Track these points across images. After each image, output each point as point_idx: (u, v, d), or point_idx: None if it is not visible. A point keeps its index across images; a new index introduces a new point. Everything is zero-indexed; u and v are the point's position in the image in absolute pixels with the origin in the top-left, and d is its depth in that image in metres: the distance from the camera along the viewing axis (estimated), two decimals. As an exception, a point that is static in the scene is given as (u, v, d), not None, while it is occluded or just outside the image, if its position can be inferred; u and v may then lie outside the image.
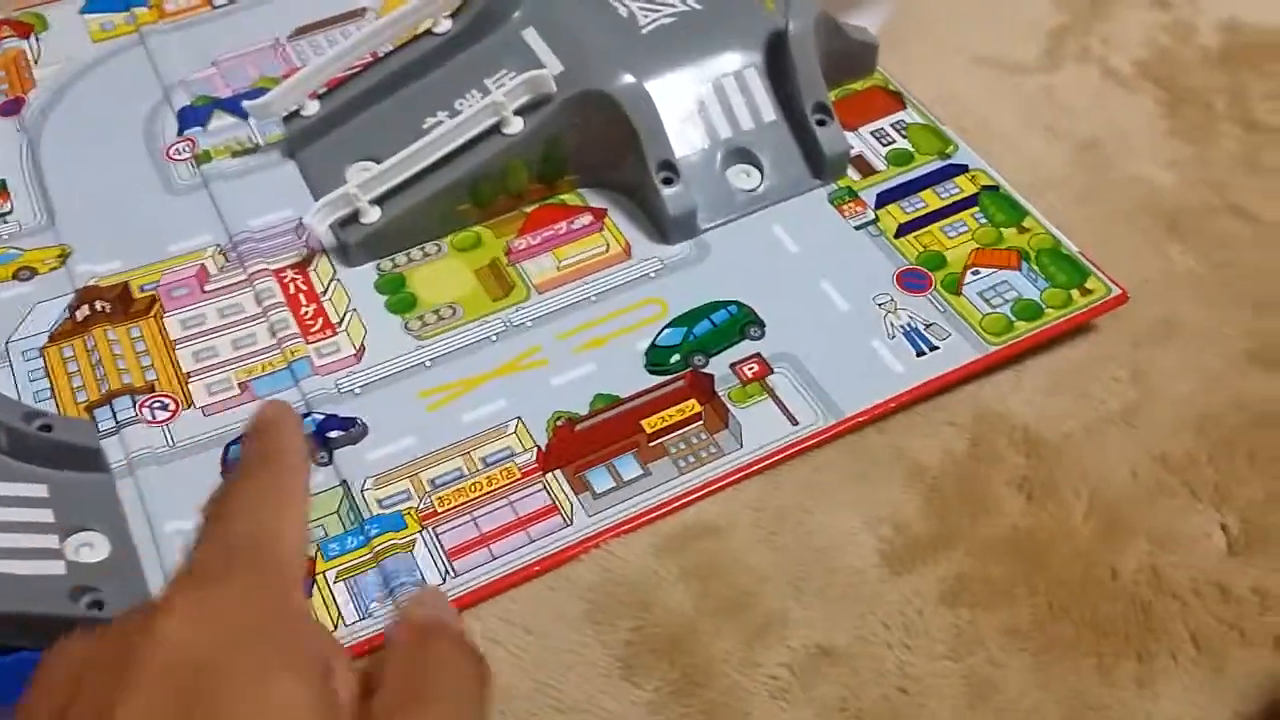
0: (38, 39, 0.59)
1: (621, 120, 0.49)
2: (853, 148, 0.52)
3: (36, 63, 0.58)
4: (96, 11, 0.60)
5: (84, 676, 0.24)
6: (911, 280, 0.48)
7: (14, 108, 0.55)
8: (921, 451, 0.44)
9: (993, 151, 0.53)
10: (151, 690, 0.23)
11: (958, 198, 0.51)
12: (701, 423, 0.44)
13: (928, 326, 0.46)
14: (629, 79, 0.49)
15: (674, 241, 0.50)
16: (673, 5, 0.53)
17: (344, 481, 0.42)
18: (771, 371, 0.45)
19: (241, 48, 0.58)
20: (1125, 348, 0.47)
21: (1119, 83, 0.58)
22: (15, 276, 0.48)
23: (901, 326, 0.47)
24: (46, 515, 0.39)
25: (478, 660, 0.27)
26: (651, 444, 0.43)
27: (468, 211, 0.50)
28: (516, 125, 0.49)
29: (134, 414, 0.44)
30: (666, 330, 0.47)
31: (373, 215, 0.48)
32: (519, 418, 0.44)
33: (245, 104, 0.53)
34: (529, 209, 0.51)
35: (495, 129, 0.49)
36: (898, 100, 0.55)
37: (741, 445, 0.43)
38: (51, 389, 0.45)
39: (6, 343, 0.46)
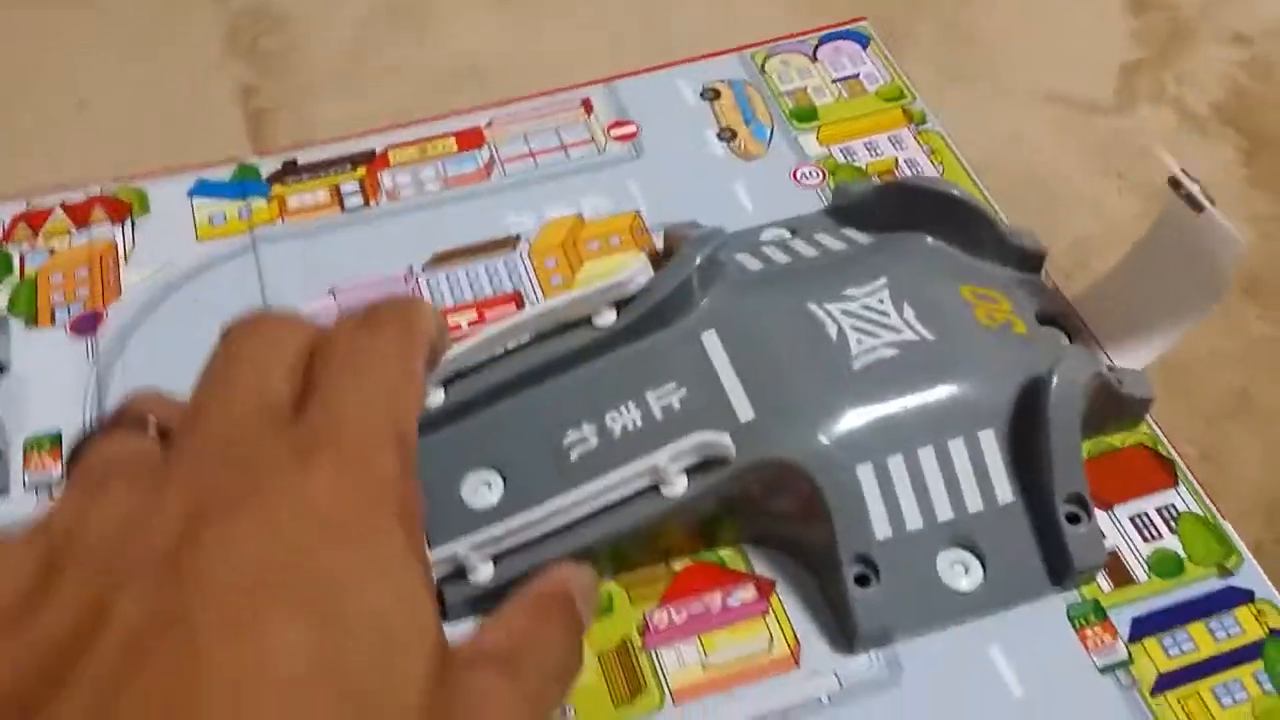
0: (133, 225, 0.50)
1: (814, 498, 0.38)
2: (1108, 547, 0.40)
3: (126, 260, 0.49)
4: (207, 196, 0.51)
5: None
6: (1172, 775, 0.36)
7: (89, 325, 0.47)
8: None
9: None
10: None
11: (1237, 643, 0.39)
12: None
13: None
14: (832, 444, 0.38)
15: (858, 651, 0.38)
16: (896, 330, 0.41)
17: None
18: None
19: (367, 273, 0.49)
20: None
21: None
22: (45, 585, 0.39)
23: (1152, 842, 0.35)
24: None
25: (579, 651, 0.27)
26: None
27: (603, 567, 0.40)
28: (678, 488, 0.38)
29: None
30: (835, 798, 0.36)
31: (485, 573, 0.38)
32: None
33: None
34: (678, 566, 0.41)
35: (653, 486, 0.38)
36: (1168, 471, 0.43)
37: None
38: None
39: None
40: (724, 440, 0.37)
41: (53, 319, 0.47)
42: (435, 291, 0.48)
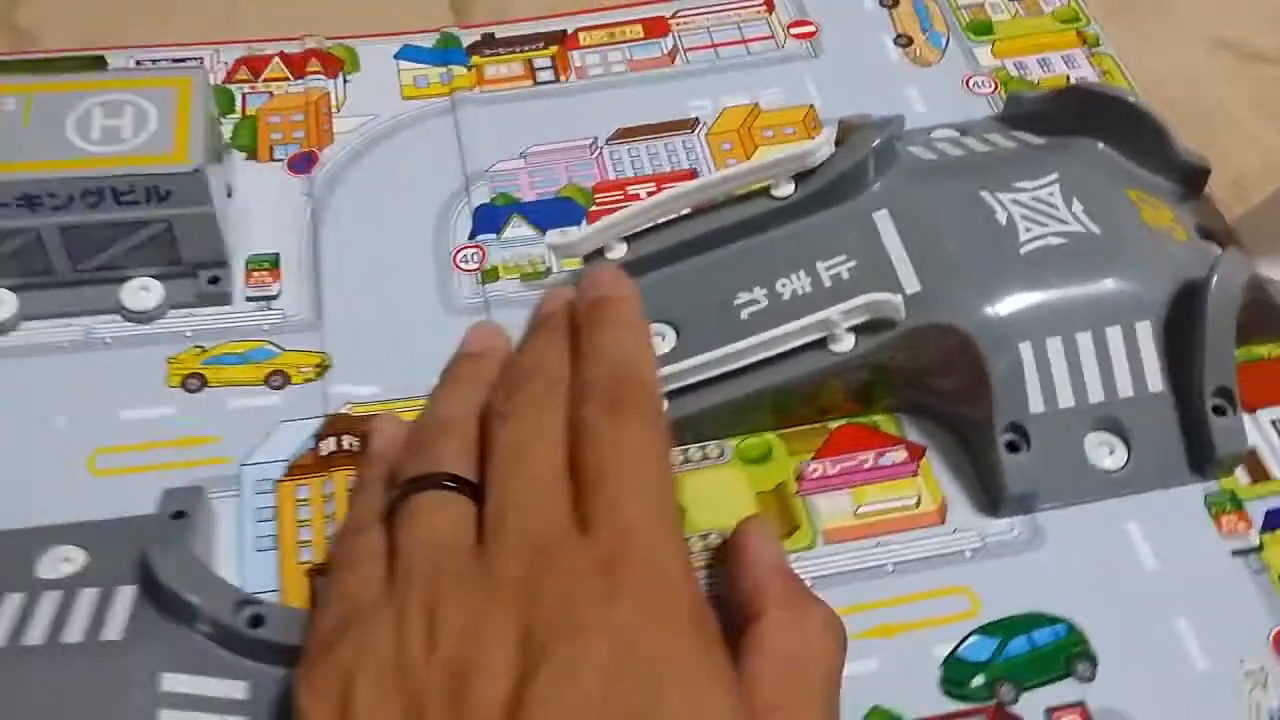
0: (345, 80, 0.54)
1: (975, 363, 0.40)
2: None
3: (339, 110, 0.53)
4: (412, 60, 0.55)
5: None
6: (1294, 650, 0.38)
7: (305, 164, 0.51)
8: None
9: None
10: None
11: (1372, 541, 0.40)
12: (996, 784, 0.36)
13: (1307, 723, 0.36)
14: (996, 318, 0.40)
15: (1003, 516, 0.41)
16: (1064, 221, 0.43)
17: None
18: (1095, 734, 0.37)
19: (557, 141, 0.52)
20: None
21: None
22: (267, 381, 0.44)
23: (1270, 711, 0.37)
24: (239, 726, 0.34)
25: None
26: (929, 797, 0.35)
27: (764, 418, 0.43)
28: (846, 344, 0.41)
29: (352, 590, 0.39)
30: (974, 638, 0.38)
31: (659, 408, 0.42)
32: (775, 709, 0.37)
33: (548, 241, 0.47)
34: (833, 425, 0.43)
35: (820, 342, 0.41)
36: (1312, 383, 0.44)
37: (1039, 832, 0.35)
38: (276, 538, 0.40)
39: (242, 465, 0.42)
40: (896, 300, 0.40)
41: (271, 155, 0.51)
42: (616, 163, 0.51)
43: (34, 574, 0.37)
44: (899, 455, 0.43)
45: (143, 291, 0.45)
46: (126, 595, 0.36)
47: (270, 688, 0.35)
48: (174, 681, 0.34)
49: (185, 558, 0.36)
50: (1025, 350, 0.41)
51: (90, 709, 0.34)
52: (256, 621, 0.35)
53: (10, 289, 0.45)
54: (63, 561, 0.38)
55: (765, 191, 0.45)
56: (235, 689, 0.35)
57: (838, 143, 0.45)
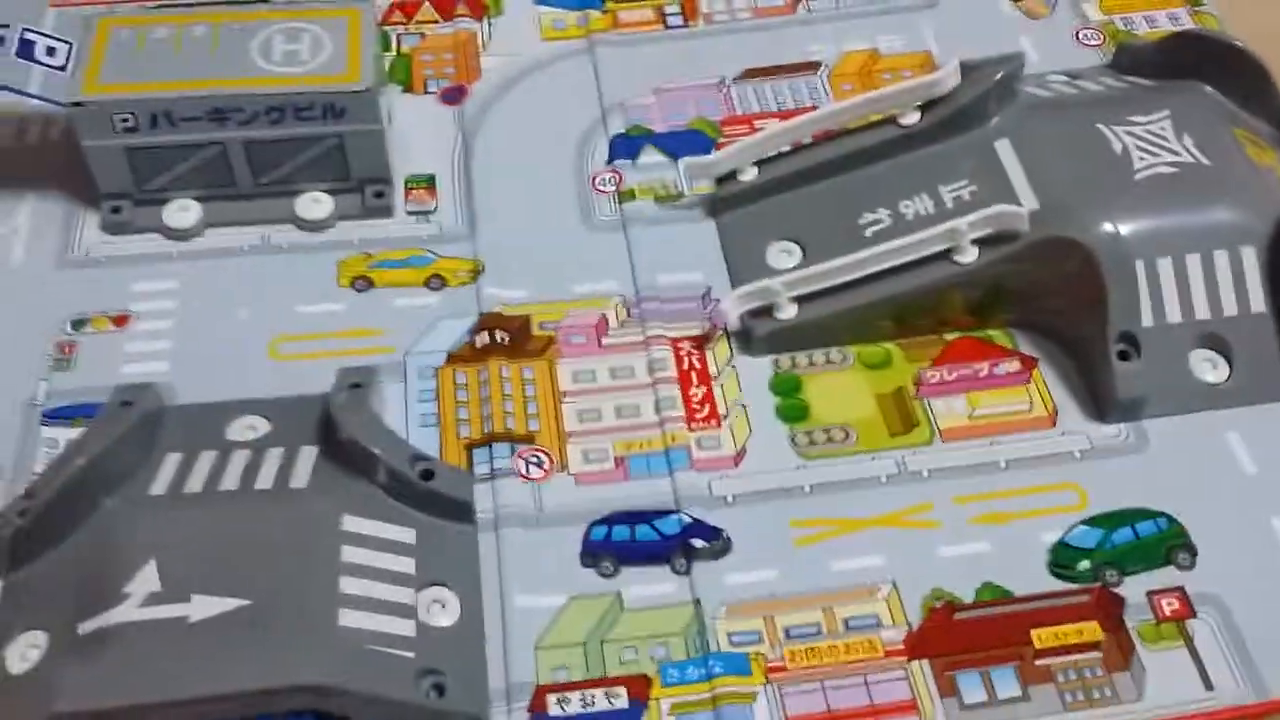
0: (490, 23, 0.58)
1: (1092, 276, 0.43)
2: (1345, 362, 0.44)
3: (485, 49, 0.57)
4: (551, 5, 0.59)
5: None
6: (1390, 550, 0.40)
7: (456, 96, 0.55)
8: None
9: None
10: None
11: None
12: (1100, 654, 0.38)
13: (1401, 616, 0.39)
14: (1112, 235, 0.43)
15: (1111, 422, 0.44)
16: (1176, 153, 0.46)
17: (697, 600, 0.40)
18: (1194, 615, 0.39)
19: (686, 80, 0.56)
20: None
21: None
22: (427, 284, 0.48)
23: (1363, 601, 0.39)
24: (409, 565, 0.38)
25: None
26: (1038, 662, 0.38)
27: (885, 327, 0.46)
28: (970, 256, 0.44)
29: (510, 464, 0.43)
30: (1081, 528, 0.41)
31: (789, 312, 0.45)
32: (894, 582, 0.40)
33: (684, 162, 0.51)
34: (950, 337, 0.46)
35: (944, 254, 0.44)
36: None
37: (1140, 697, 0.38)
38: (438, 416, 0.44)
39: (406, 354, 0.46)
40: (1021, 212, 0.43)
41: (425, 88, 0.55)
42: (743, 100, 0.55)
43: (224, 437, 0.42)
44: (1013, 365, 0.46)
45: (315, 203, 0.50)
46: (309, 454, 0.41)
47: (433, 536, 0.39)
48: (354, 524, 0.38)
49: (366, 416, 0.40)
50: (1139, 267, 0.43)
51: (281, 544, 0.38)
52: (428, 475, 0.39)
53: (196, 199, 0.50)
54: (249, 430, 0.42)
55: (892, 120, 0.48)
56: (406, 534, 0.39)
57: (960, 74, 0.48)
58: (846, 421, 0.44)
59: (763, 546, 0.41)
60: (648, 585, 0.40)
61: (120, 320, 0.47)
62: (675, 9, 0.59)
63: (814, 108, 0.54)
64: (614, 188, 0.51)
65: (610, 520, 0.41)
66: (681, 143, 0.53)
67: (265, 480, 0.40)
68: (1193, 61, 0.50)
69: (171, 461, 0.40)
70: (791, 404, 0.45)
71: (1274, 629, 0.39)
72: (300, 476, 0.40)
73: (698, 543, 0.41)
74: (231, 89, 0.47)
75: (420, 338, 0.46)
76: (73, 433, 0.42)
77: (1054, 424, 0.44)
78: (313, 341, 0.46)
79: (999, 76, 0.47)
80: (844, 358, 0.46)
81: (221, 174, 0.49)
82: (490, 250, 0.49)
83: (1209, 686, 0.38)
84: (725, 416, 0.44)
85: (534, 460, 0.43)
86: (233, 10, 0.50)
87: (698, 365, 0.46)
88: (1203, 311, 0.44)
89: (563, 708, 0.37)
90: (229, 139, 0.48)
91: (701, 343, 0.46)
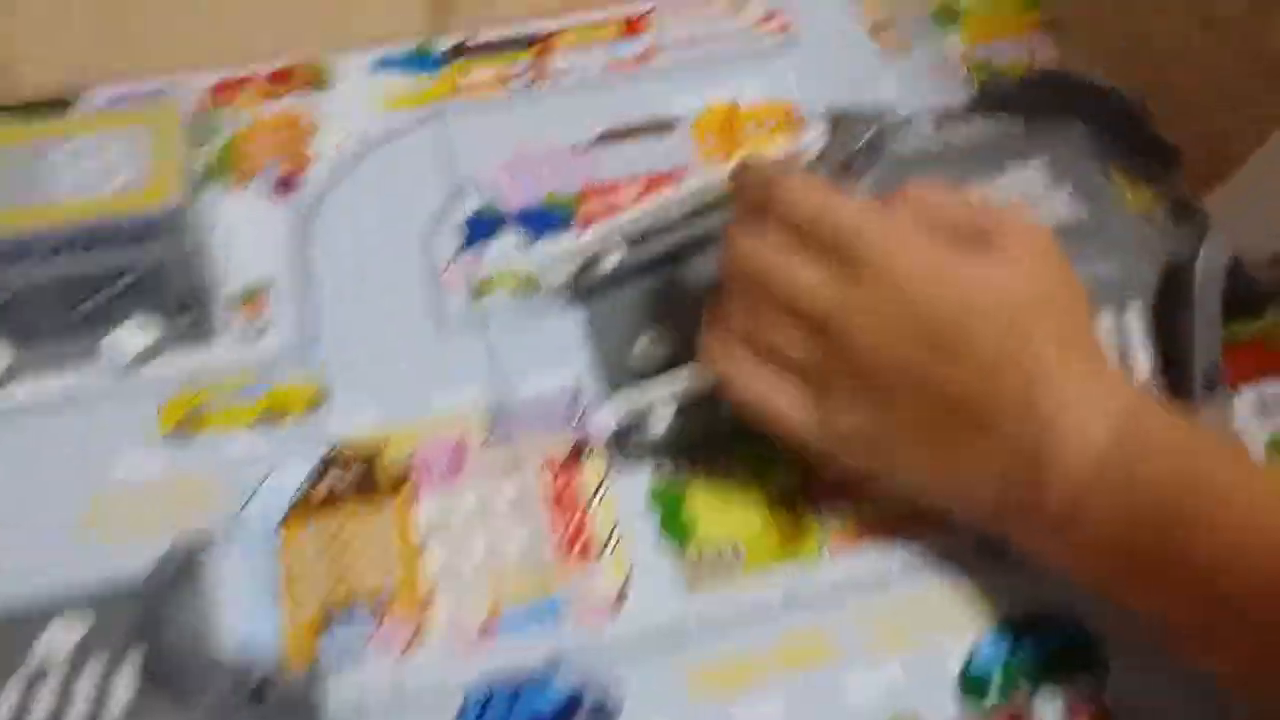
0: (323, 95, 0.53)
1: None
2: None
3: (318, 128, 0.52)
4: (390, 70, 0.54)
5: None
6: None
7: (287, 187, 0.50)
8: None
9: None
10: None
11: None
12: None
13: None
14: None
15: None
16: (1054, 208, 0.43)
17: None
18: (1112, 727, 0.37)
19: (541, 146, 0.51)
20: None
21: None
22: (260, 420, 0.43)
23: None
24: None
25: None
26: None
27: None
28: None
29: (364, 641, 0.38)
30: (987, 640, 0.39)
31: (670, 416, 0.41)
32: (798, 730, 0.37)
33: (542, 252, 0.47)
34: (839, 428, 0.43)
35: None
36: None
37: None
38: (277, 592, 0.39)
39: (241, 511, 0.41)
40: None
41: (253, 180, 0.50)
42: (603, 165, 0.51)
43: (33, 652, 0.37)
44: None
45: (130, 337, 0.44)
46: (130, 671, 0.36)
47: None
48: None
49: (188, 619, 0.36)
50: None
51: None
52: (261, 693, 0.35)
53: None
54: (64, 632, 0.38)
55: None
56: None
57: (830, 131, 0.45)
58: (735, 538, 0.41)
59: (657, 705, 0.38)
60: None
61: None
62: (524, 67, 0.54)
63: (680, 170, 0.51)
64: (466, 281, 0.47)
65: (486, 699, 0.38)
66: (539, 222, 0.49)
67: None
68: (1062, 100, 0.48)
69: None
70: (676, 521, 0.41)
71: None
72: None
73: (585, 708, 0.37)
74: (16, 225, 0.42)
75: (250, 497, 0.41)
76: None
77: (952, 520, 0.41)
78: (133, 506, 0.41)
79: (862, 142, 0.44)
80: (729, 459, 0.43)
81: (24, 312, 0.44)
82: (333, 368, 0.44)
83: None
84: (604, 549, 0.41)
85: (392, 632, 0.39)
86: (14, 129, 0.45)
87: (570, 486, 0.42)
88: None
89: None
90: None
91: (574, 457, 0.43)
